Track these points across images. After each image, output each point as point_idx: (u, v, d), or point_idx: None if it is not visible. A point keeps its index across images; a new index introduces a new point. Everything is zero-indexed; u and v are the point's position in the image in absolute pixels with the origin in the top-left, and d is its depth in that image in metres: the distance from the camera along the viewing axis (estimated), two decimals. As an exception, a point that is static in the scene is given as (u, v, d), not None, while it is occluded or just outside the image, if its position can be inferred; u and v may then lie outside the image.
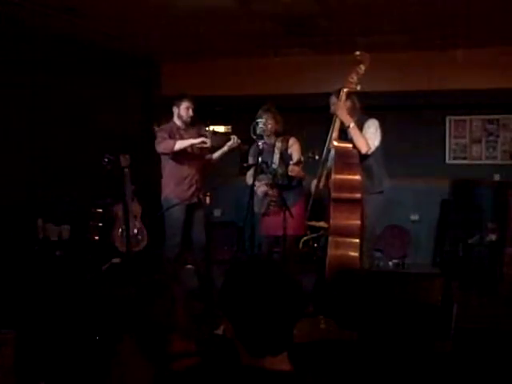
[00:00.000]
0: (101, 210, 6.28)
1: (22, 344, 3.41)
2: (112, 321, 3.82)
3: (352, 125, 4.54)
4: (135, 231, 6.19)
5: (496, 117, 7.49)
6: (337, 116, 4.59)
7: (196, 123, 5.57)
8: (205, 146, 5.34)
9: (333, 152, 4.66)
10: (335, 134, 4.62)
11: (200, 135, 5.41)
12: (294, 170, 5.00)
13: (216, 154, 5.62)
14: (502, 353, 3.75)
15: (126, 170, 5.90)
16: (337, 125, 4.61)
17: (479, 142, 7.57)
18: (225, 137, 5.44)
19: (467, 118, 7.60)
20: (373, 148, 4.60)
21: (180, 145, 5.33)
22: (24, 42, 5.73)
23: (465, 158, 7.62)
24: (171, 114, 5.58)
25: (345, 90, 4.55)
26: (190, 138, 5.43)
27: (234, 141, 5.39)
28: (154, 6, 5.16)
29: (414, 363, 3.27)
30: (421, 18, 5.53)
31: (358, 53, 4.52)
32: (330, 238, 4.39)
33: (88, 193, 6.26)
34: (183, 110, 5.44)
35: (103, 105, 6.79)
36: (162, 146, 5.38)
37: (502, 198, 6.49)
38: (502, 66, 6.61)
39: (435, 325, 3.49)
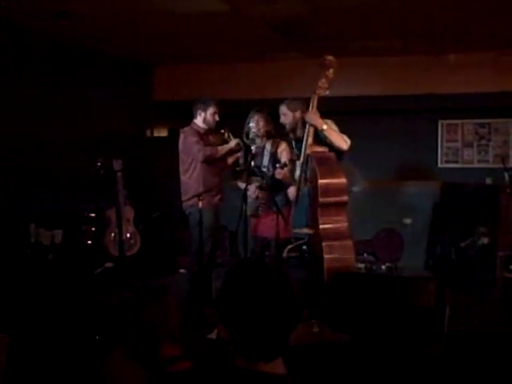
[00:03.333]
0: (93, 215, 6.27)
1: (15, 348, 3.40)
2: (105, 326, 3.81)
3: (325, 126, 4.55)
4: (128, 235, 6.18)
5: (488, 121, 7.53)
6: (308, 123, 4.61)
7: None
8: (240, 147, 5.27)
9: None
10: (310, 140, 4.63)
11: (223, 139, 5.37)
12: (280, 173, 4.98)
13: (231, 159, 5.49)
14: (494, 356, 3.76)
15: (119, 174, 5.91)
16: (311, 131, 4.62)
17: (471, 145, 7.61)
18: (236, 140, 5.39)
19: (459, 121, 7.64)
20: (349, 143, 4.61)
21: (222, 151, 5.29)
22: (17, 46, 5.73)
23: (457, 162, 7.66)
24: (165, 118, 5.56)
25: (316, 96, 4.58)
26: (215, 141, 5.39)
27: (241, 145, 5.34)
28: (148, 11, 5.17)
29: (407, 366, 3.28)
30: (413, 22, 5.56)
31: (326, 57, 4.55)
32: (323, 243, 4.39)
33: (81, 197, 6.25)
34: (210, 116, 5.34)
35: (96, 109, 6.78)
36: (203, 153, 5.21)
37: (493, 201, 6.51)
38: (493, 69, 6.66)
39: (428, 328, 3.51)
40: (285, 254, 4.75)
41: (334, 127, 4.67)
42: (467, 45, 6.45)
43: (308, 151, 4.61)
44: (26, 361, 3.49)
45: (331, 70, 4.52)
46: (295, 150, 4.96)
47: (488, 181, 7.21)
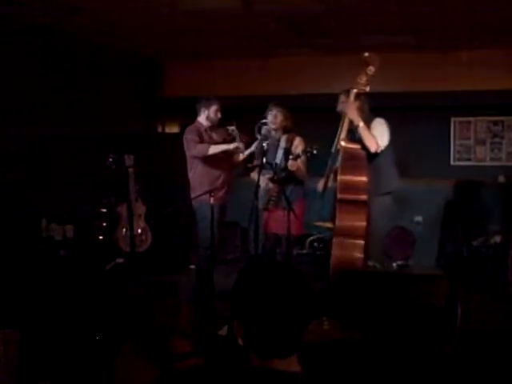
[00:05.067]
0: (105, 210, 6.29)
1: (27, 343, 3.41)
2: (116, 321, 3.82)
3: (361, 124, 4.53)
4: (139, 231, 6.20)
5: (501, 118, 7.47)
6: (346, 115, 4.59)
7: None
8: (239, 151, 5.30)
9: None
10: (343, 135, 4.61)
11: (228, 135, 5.40)
12: (293, 165, 4.93)
13: (242, 155, 5.50)
14: (506, 355, 3.74)
15: (131, 169, 5.92)
16: (345, 125, 4.61)
17: (484, 143, 7.55)
18: (248, 137, 5.40)
19: (472, 119, 7.58)
20: (382, 147, 4.59)
21: (214, 150, 5.29)
22: (26, 41, 5.74)
23: (469, 160, 7.60)
24: (176, 114, 5.57)
25: (354, 90, 4.55)
26: (218, 138, 5.42)
27: (258, 142, 5.34)
28: (157, 7, 5.17)
29: (418, 365, 3.27)
30: (425, 19, 5.53)
31: (366, 54, 4.52)
32: (334, 239, 4.40)
33: (92, 192, 6.27)
34: (213, 113, 5.40)
35: (107, 104, 6.79)
36: (195, 150, 5.31)
37: (506, 199, 6.48)
38: (506, 67, 6.60)
39: (439, 326, 3.49)
40: (306, 246, 4.76)
41: (379, 128, 4.61)
42: (480, 42, 6.40)
43: (339, 146, 4.60)
44: (37, 355, 3.51)
45: (371, 67, 4.49)
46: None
47: (501, 179, 7.17)
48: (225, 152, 5.37)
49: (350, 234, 4.42)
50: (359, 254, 4.42)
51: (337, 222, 4.45)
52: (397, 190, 4.84)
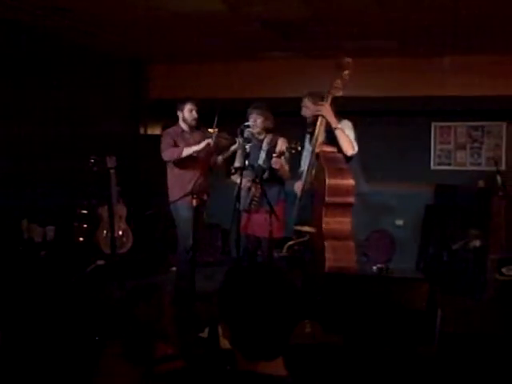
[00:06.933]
0: (86, 212, 6.24)
1: (7, 345, 3.38)
2: (97, 323, 3.80)
3: (339, 126, 4.55)
4: (120, 233, 6.16)
5: (480, 123, 7.56)
6: (322, 119, 4.59)
7: (200, 126, 5.56)
8: (209, 146, 5.29)
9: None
10: (321, 138, 4.62)
11: (206, 137, 5.40)
12: (277, 162, 4.91)
13: (221, 157, 5.61)
14: (485, 357, 3.77)
15: (112, 171, 5.88)
16: (322, 128, 4.62)
17: (464, 148, 7.64)
18: (230, 139, 5.43)
19: (452, 124, 7.66)
20: (356, 149, 4.62)
21: (186, 152, 5.33)
22: (10, 43, 5.69)
23: (449, 164, 7.68)
24: (160, 116, 5.58)
25: (331, 94, 4.57)
26: (194, 141, 5.43)
27: (238, 143, 5.36)
28: (143, 9, 5.15)
29: (399, 367, 3.29)
30: (408, 24, 5.57)
31: (342, 58, 4.54)
32: (325, 243, 4.39)
33: (73, 194, 6.22)
34: (187, 113, 5.43)
35: (90, 106, 6.75)
36: (167, 154, 5.39)
37: (485, 204, 6.53)
38: (487, 73, 6.68)
39: (419, 329, 3.51)
40: (284, 250, 4.74)
41: (348, 131, 4.63)
42: (462, 48, 6.46)
43: (317, 150, 4.60)
44: (18, 357, 3.48)
45: (347, 72, 4.51)
46: (309, 145, 4.84)
47: (480, 183, 7.24)
48: (199, 154, 5.38)
49: (340, 236, 4.43)
50: (352, 256, 4.44)
51: (324, 226, 4.43)
52: (368, 192, 4.86)
